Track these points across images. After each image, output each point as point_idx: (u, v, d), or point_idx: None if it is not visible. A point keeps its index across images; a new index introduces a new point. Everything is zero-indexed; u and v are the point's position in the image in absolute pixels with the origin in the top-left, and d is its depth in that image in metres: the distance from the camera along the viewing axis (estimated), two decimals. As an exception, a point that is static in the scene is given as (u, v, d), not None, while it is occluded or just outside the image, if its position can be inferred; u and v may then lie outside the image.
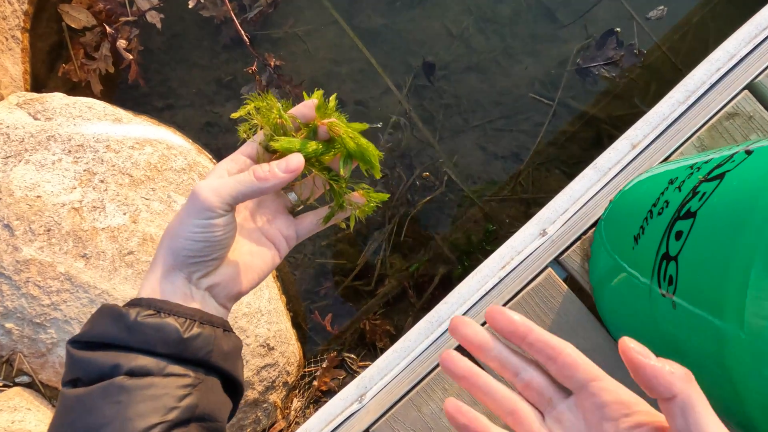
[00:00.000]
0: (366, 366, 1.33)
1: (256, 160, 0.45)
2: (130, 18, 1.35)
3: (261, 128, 0.45)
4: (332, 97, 0.46)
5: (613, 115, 1.50)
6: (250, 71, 1.28)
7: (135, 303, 0.40)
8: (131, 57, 1.34)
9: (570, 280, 0.80)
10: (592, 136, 1.50)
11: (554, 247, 0.84)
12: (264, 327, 1.12)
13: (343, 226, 0.49)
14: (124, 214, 1.04)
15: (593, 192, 0.87)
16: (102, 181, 1.06)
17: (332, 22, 1.63)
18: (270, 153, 0.45)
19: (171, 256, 0.41)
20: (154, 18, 1.34)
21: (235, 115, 0.46)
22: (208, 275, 0.43)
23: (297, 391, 1.28)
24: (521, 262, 0.85)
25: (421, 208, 1.37)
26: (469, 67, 1.60)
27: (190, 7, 1.43)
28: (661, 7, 1.53)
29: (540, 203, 1.42)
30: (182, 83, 1.55)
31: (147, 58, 1.54)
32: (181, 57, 1.57)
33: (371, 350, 1.33)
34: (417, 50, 1.62)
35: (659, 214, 0.59)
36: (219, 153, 1.48)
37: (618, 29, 1.53)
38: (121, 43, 1.29)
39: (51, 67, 1.47)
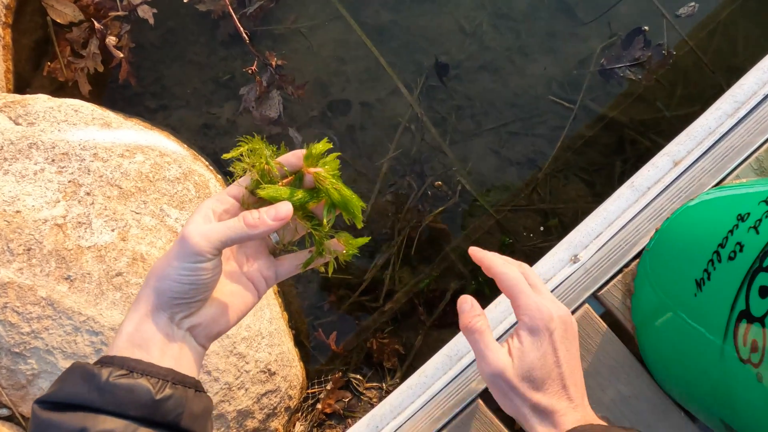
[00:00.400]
0: (373, 388, 1.25)
1: (242, 204, 0.45)
2: (121, 13, 1.25)
3: (250, 171, 0.45)
4: (323, 142, 0.46)
5: (635, 119, 1.41)
6: (249, 71, 1.19)
7: (107, 362, 0.40)
8: (122, 55, 1.24)
9: (608, 316, 0.72)
10: (613, 141, 1.41)
11: (589, 277, 0.75)
12: (265, 351, 1.04)
13: (322, 270, 0.49)
14: (113, 230, 0.95)
15: (631, 214, 0.78)
16: (88, 194, 0.97)
17: (337, 17, 1.53)
18: (255, 197, 0.45)
19: (156, 296, 0.42)
20: (146, 13, 1.24)
21: (226, 156, 0.46)
22: (190, 316, 0.43)
23: (300, 414, 1.20)
24: (551, 293, 0.77)
25: (433, 219, 1.28)
26: (483, 66, 1.50)
27: (185, 0, 1.33)
28: (692, 3, 1.44)
29: (559, 214, 1.34)
30: (177, 82, 1.45)
31: (139, 55, 1.44)
32: (176, 54, 1.48)
33: (378, 371, 1.25)
34: (428, 48, 1.52)
35: (730, 258, 0.50)
36: (216, 158, 1.39)
37: (646, 27, 1.43)
38: (111, 40, 1.20)
39: (36, 64, 1.37)
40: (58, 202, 0.94)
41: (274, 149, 0.46)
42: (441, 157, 1.38)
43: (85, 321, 0.88)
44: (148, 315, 0.42)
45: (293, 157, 0.46)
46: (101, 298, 0.90)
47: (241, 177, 0.45)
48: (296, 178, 0.46)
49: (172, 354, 0.42)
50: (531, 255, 1.30)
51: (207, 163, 1.23)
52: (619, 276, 0.73)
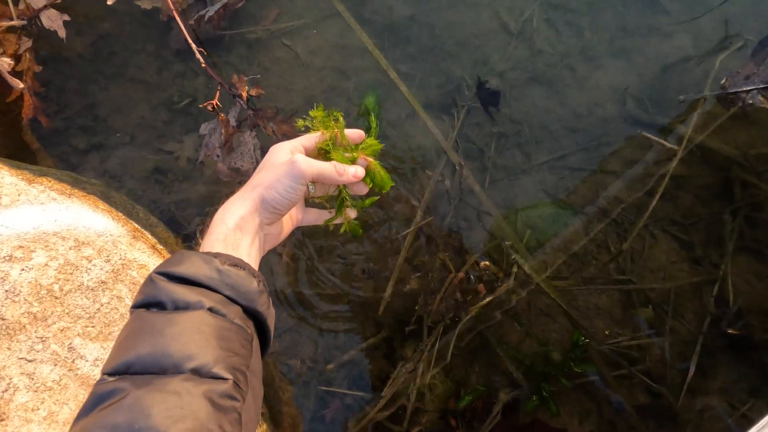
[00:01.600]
0: None
1: (307, 154, 0.56)
2: (16, 22, 0.84)
3: (323, 132, 0.56)
4: (374, 140, 0.57)
5: (749, 154, 1.02)
6: (209, 108, 0.80)
7: (213, 255, 0.46)
8: (22, 85, 0.85)
9: None
10: (716, 182, 1.03)
11: None
12: None
13: (345, 227, 0.59)
14: (-17, 401, 0.59)
15: None
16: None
17: (333, 14, 1.12)
18: (320, 154, 0.56)
19: (261, 201, 0.50)
20: (53, 21, 0.84)
21: (300, 124, 0.56)
22: (270, 225, 0.53)
23: None
24: None
25: (477, 313, 0.91)
26: (533, 77, 1.11)
27: (109, 2, 0.92)
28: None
29: (648, 294, 0.97)
30: (116, 109, 1.06)
31: (59, 72, 1.04)
32: (113, 69, 1.07)
33: None
34: (458, 54, 1.12)
35: None
36: (173, 217, 1.01)
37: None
38: (4, 64, 0.80)
39: None
40: None
41: (342, 118, 0.56)
42: (486, 219, 1.00)
43: None
44: (252, 214, 0.50)
45: (356, 135, 0.57)
46: None
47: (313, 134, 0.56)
48: (352, 157, 0.56)
49: (254, 256, 0.50)
50: (611, 360, 0.94)
51: (154, 241, 0.85)
52: None
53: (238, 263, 0.46)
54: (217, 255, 0.46)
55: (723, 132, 1.04)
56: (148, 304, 0.42)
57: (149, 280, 0.44)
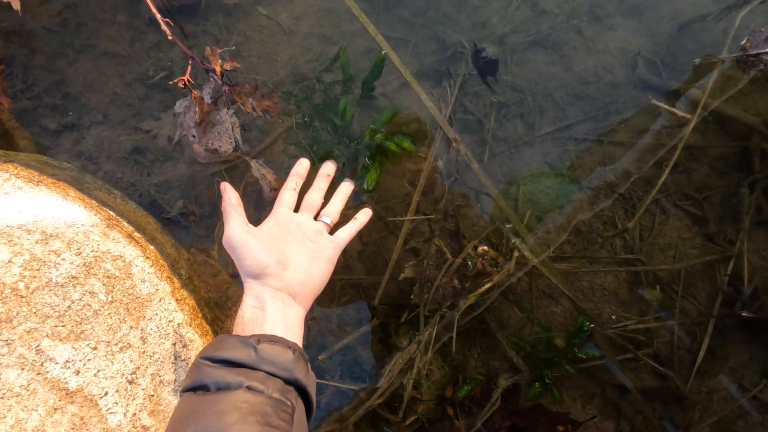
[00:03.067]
0: None
1: None
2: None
3: None
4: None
5: (771, 121, 0.94)
6: (180, 85, 0.73)
7: (250, 336, 0.52)
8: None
9: None
10: (734, 153, 0.96)
11: None
12: None
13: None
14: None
15: None
16: None
17: (319, -26, 1.03)
18: None
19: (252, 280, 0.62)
20: (5, -10, 0.76)
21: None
22: (280, 287, 0.62)
23: None
24: None
25: (475, 300, 0.86)
26: (537, 41, 1.02)
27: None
28: None
29: (657, 273, 0.92)
30: (88, 86, 0.99)
31: (23, 46, 0.97)
32: (82, 42, 1.00)
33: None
34: (454, 16, 1.03)
35: None
36: (155, 201, 0.96)
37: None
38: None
39: None
40: None
41: None
42: (484, 199, 0.94)
43: None
44: (260, 298, 0.58)
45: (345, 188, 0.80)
46: None
47: None
48: None
49: (289, 321, 0.57)
50: (616, 343, 0.90)
51: (131, 229, 0.80)
52: None
53: (272, 338, 0.51)
54: (253, 336, 0.51)
55: (742, 98, 0.96)
56: (195, 387, 0.48)
57: (195, 365, 0.49)
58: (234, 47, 0.96)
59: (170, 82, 0.78)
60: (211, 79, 0.74)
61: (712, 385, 0.91)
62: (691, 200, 0.95)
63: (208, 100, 0.75)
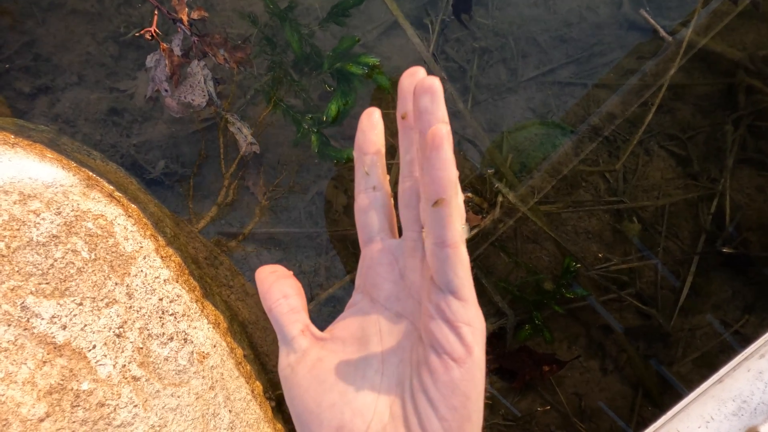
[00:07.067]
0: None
1: None
2: None
3: None
4: None
5: (757, 55, 0.93)
6: (147, 37, 0.71)
7: None
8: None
9: None
10: (719, 90, 0.95)
11: None
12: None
13: None
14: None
15: None
16: None
17: None
18: None
19: None
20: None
21: None
22: None
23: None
24: None
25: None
26: (518, -19, 0.99)
27: None
28: None
29: (641, 213, 0.92)
30: (59, 46, 0.96)
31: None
32: (50, 0, 0.97)
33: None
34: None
35: None
36: (136, 163, 0.95)
37: None
38: None
39: None
40: None
41: None
42: (468, 147, 0.93)
43: None
44: None
45: None
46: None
47: None
48: None
49: None
50: (600, 285, 0.91)
51: (112, 188, 0.80)
52: None
53: None
54: None
55: (729, 33, 0.94)
56: None
57: None
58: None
59: (136, 34, 0.76)
60: (180, 30, 0.72)
61: (695, 322, 0.92)
62: (675, 140, 0.94)
63: (177, 52, 0.73)
